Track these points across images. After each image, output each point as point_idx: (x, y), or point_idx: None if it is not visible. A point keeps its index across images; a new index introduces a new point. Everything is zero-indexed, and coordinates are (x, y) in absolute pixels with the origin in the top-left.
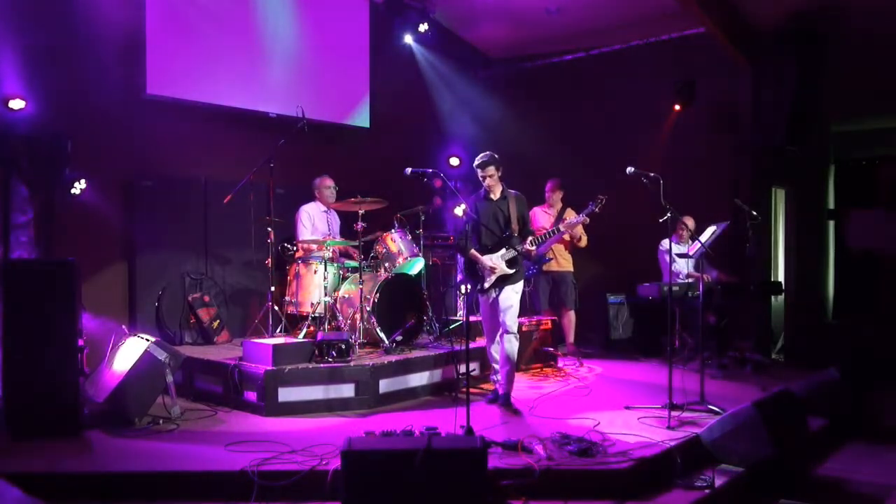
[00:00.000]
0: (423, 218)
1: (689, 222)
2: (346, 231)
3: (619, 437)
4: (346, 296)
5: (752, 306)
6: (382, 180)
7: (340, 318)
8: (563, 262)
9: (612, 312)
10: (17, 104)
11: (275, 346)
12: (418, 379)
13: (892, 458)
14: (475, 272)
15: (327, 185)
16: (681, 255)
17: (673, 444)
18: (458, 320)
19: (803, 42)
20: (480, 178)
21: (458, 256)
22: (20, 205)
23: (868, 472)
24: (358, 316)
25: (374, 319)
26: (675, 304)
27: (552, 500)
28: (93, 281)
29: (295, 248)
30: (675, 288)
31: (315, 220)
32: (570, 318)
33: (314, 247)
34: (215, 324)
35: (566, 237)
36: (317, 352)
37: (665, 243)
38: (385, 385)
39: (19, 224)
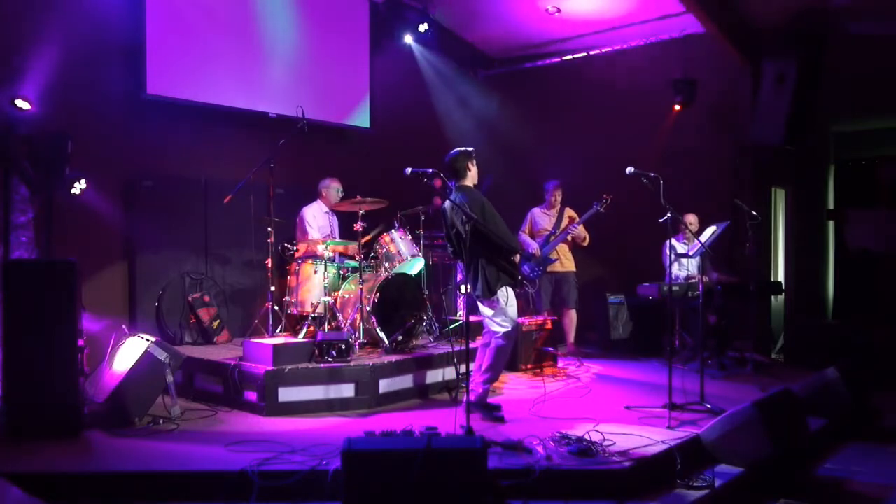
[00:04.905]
0: (423, 218)
1: (692, 219)
2: (346, 231)
3: (619, 437)
4: (346, 296)
5: (752, 306)
6: (382, 180)
7: (340, 318)
8: (566, 262)
9: (612, 312)
10: (22, 104)
11: (275, 346)
12: (418, 379)
13: (892, 458)
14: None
15: (335, 187)
16: (681, 256)
17: (673, 444)
18: (458, 320)
19: (803, 42)
20: (467, 172)
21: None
22: (20, 205)
23: (868, 472)
24: (358, 316)
25: (374, 319)
26: (675, 304)
27: (552, 500)
28: (93, 281)
29: (295, 248)
30: (675, 288)
31: (318, 221)
32: (571, 317)
33: (316, 247)
34: (215, 324)
35: (569, 237)
36: (317, 352)
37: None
38: (385, 385)
39: (19, 224)
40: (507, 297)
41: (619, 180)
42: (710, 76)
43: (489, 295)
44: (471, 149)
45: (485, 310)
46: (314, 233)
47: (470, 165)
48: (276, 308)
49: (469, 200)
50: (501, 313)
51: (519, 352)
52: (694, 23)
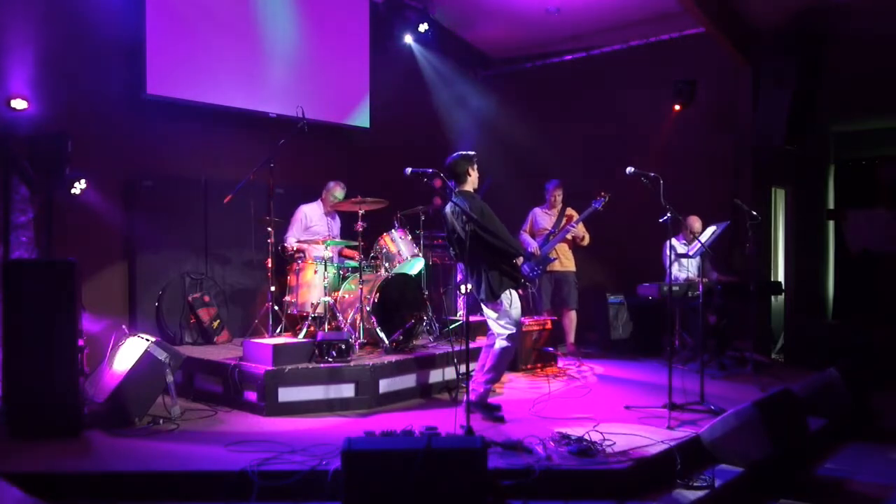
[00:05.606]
0: (423, 218)
1: (696, 223)
2: (346, 231)
3: (619, 437)
4: (346, 296)
5: (752, 306)
6: (382, 180)
7: (340, 318)
8: (566, 261)
9: (612, 312)
10: (19, 104)
11: (275, 346)
12: (418, 379)
13: (892, 458)
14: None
15: (335, 192)
16: (681, 256)
17: (673, 444)
18: (458, 320)
19: (803, 42)
20: (467, 177)
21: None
22: (20, 205)
23: (868, 472)
24: (358, 316)
25: (374, 319)
26: (675, 304)
27: (552, 500)
28: (93, 281)
29: (295, 248)
30: (675, 288)
31: (313, 221)
32: (571, 317)
33: (305, 246)
34: (215, 324)
35: (569, 236)
36: (317, 352)
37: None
38: (385, 385)
39: (19, 224)
40: (510, 299)
41: (619, 180)
42: (710, 76)
43: (493, 298)
44: (472, 153)
45: (489, 312)
46: (293, 232)
47: (471, 170)
48: (276, 308)
49: (468, 205)
50: (505, 316)
51: (519, 352)
52: (694, 23)
